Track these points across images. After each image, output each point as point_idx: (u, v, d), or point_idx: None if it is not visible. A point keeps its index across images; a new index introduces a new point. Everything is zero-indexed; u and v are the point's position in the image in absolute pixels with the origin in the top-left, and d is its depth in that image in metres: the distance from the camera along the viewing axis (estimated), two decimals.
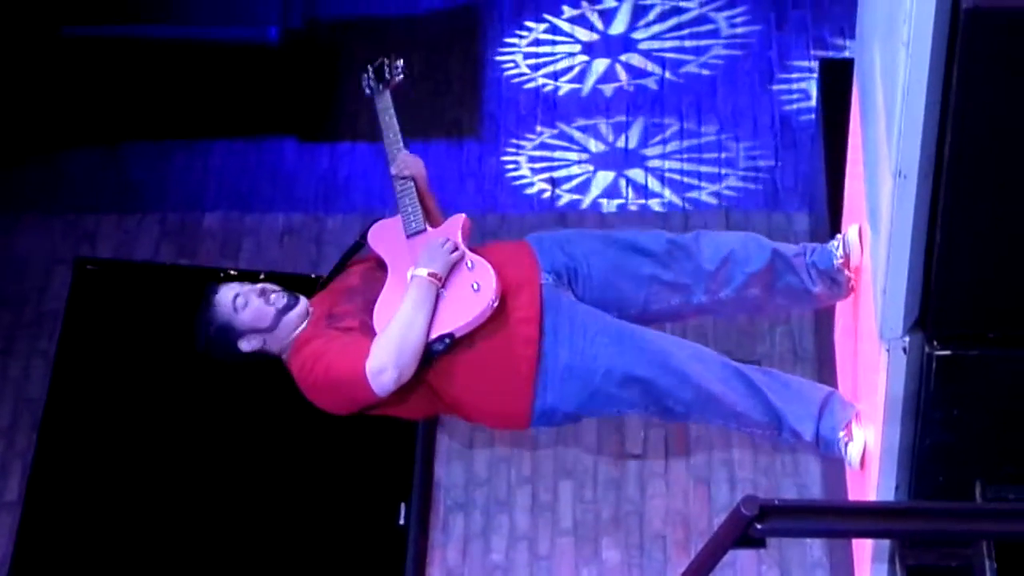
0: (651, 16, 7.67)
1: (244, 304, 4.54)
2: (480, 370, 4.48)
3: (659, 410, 4.55)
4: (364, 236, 4.67)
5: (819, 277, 4.63)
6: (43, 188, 7.23)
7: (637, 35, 7.63)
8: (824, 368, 6.02)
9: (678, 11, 7.67)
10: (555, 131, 7.36)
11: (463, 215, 4.63)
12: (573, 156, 7.26)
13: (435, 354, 4.43)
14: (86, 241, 7.00)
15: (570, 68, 7.53)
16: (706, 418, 4.58)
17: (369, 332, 4.47)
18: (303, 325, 4.55)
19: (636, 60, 7.53)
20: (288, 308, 4.55)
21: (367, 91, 4.76)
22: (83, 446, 6.31)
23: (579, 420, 4.69)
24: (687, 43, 7.59)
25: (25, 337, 6.76)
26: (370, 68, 4.76)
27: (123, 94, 7.27)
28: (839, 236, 4.63)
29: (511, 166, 7.27)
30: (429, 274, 4.46)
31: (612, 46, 7.57)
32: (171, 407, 6.37)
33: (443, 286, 4.47)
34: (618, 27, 7.65)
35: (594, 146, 7.29)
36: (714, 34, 7.60)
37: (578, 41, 7.61)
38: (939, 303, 3.99)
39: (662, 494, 6.31)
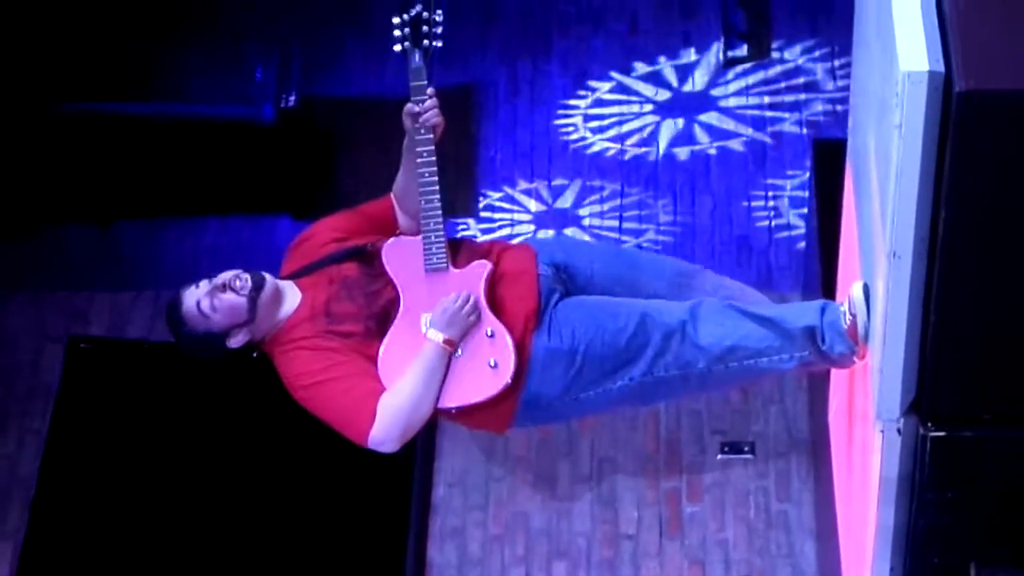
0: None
1: (212, 307, 4.34)
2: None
3: (651, 379, 4.34)
4: (374, 245, 4.43)
5: (839, 338, 4.36)
6: (36, 265, 7.23)
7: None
8: (818, 448, 6.01)
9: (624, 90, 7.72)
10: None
11: (488, 264, 4.39)
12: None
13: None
14: (79, 319, 6.99)
15: None
16: (701, 370, 4.33)
17: (373, 347, 4.29)
18: (293, 306, 4.36)
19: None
20: (258, 288, 4.34)
21: (399, 48, 4.31)
22: (75, 526, 6.29)
23: (565, 416, 4.48)
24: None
25: (17, 415, 6.74)
26: (404, 17, 4.29)
27: (118, 171, 7.28)
28: (845, 299, 4.37)
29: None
30: (445, 340, 4.29)
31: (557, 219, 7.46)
32: (163, 485, 6.36)
33: (460, 348, 4.30)
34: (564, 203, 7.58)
35: (534, 206, 7.28)
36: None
37: (527, 211, 7.63)
38: (933, 384, 3.98)
39: (656, 575, 6.28)
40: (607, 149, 7.52)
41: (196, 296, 4.35)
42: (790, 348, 4.33)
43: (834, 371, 5.04)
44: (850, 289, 4.33)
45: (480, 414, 4.38)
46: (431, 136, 4.32)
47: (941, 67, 3.57)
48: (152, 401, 6.54)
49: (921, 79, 3.57)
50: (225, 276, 4.37)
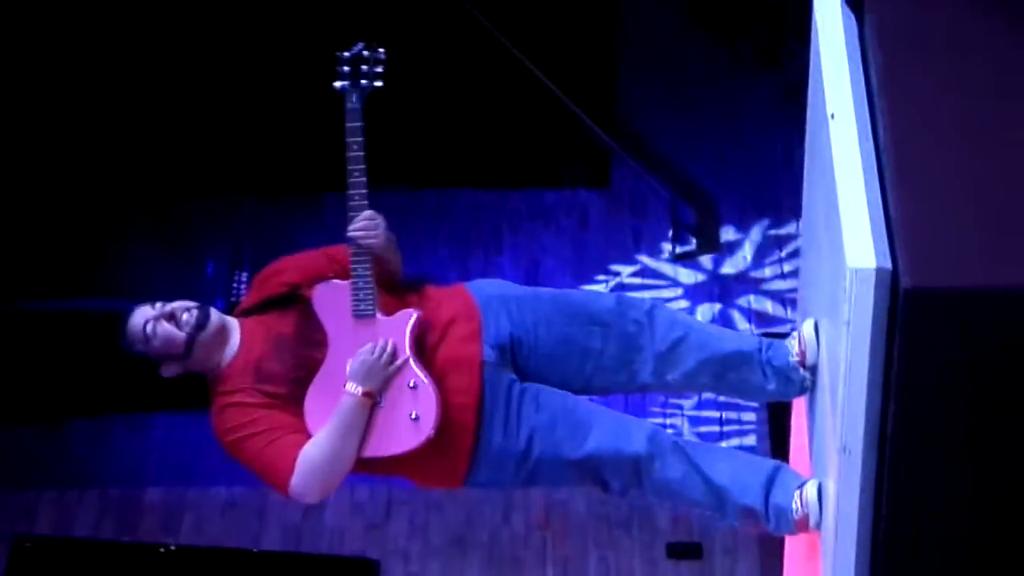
0: None
1: (153, 332, 4.32)
2: (413, 459, 4.33)
3: (596, 485, 4.39)
4: (308, 289, 4.39)
5: (774, 375, 4.44)
6: None
7: None
8: None
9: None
10: None
11: (415, 314, 4.34)
12: None
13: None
14: (24, 518, 6.91)
15: None
16: (642, 494, 4.39)
17: (296, 409, 4.28)
18: (231, 353, 4.36)
19: None
20: (199, 327, 4.32)
21: (339, 85, 4.32)
22: None
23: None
24: None
25: None
26: (345, 55, 4.33)
27: (68, 369, 7.24)
28: (795, 333, 4.45)
29: None
30: (364, 393, 4.27)
31: None
32: None
33: (382, 399, 4.28)
34: None
35: None
36: None
37: None
38: None
39: None
40: None
41: (145, 316, 4.36)
42: (724, 513, 4.38)
43: (787, 567, 5.01)
44: (805, 490, 4.33)
45: (431, 474, 4.41)
46: (366, 255, 4.34)
47: (888, 264, 3.59)
48: None
49: (869, 276, 3.58)
50: (174, 306, 4.36)
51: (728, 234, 7.73)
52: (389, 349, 4.30)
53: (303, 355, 4.36)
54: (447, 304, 4.45)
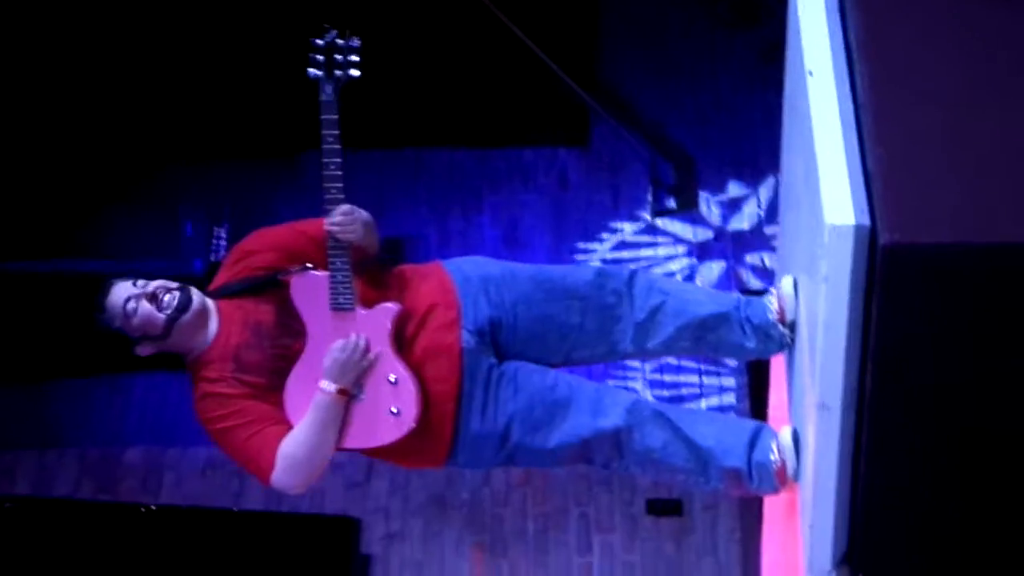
0: None
1: (134, 310, 4.31)
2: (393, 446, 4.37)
3: (579, 462, 4.44)
4: (286, 276, 4.38)
5: (753, 332, 4.46)
6: None
7: None
8: None
9: None
10: None
11: (395, 308, 4.35)
12: None
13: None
14: (4, 478, 6.90)
15: None
16: (624, 467, 4.42)
17: (275, 398, 4.31)
18: (209, 337, 4.35)
19: None
20: (181, 309, 4.30)
21: (312, 74, 4.29)
22: None
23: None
24: None
25: None
26: (319, 42, 4.29)
27: (48, 330, 7.23)
28: (773, 289, 4.47)
29: None
30: (338, 390, 4.29)
31: None
32: None
33: (362, 392, 4.30)
34: None
35: None
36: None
37: None
38: (864, 537, 3.97)
39: None
40: None
41: (127, 292, 4.34)
42: (708, 476, 4.40)
43: (767, 523, 5.03)
44: (779, 435, 4.36)
45: (412, 459, 4.45)
46: (344, 249, 4.32)
47: (866, 220, 3.59)
48: (79, 560, 6.43)
49: (847, 232, 3.59)
50: (156, 285, 4.35)
51: (736, 190, 7.71)
52: (362, 345, 4.31)
53: (282, 344, 4.36)
54: (425, 289, 4.44)
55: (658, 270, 7.48)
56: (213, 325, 4.38)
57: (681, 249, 7.63)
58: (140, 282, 4.35)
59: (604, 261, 7.54)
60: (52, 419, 7.19)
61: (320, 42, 4.29)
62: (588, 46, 8.19)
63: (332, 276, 4.33)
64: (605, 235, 7.69)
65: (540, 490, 6.87)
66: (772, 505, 4.83)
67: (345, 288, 4.32)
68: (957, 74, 3.81)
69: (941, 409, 3.74)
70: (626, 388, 6.90)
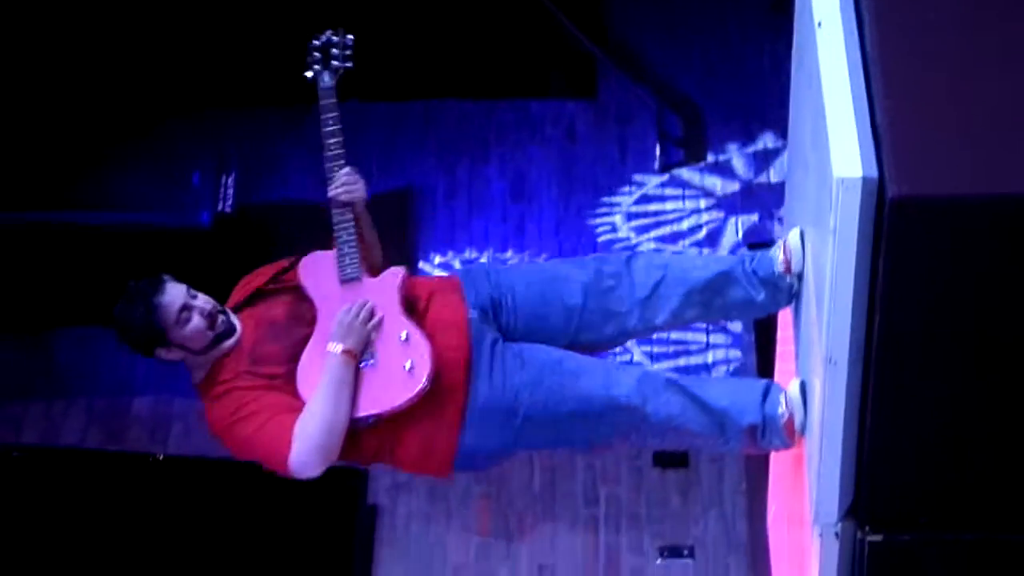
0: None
1: (187, 320, 4.34)
2: (405, 427, 4.33)
3: (589, 445, 4.44)
4: (295, 264, 4.46)
5: (761, 285, 4.47)
6: None
7: None
8: (757, 552, 5.99)
9: None
10: None
11: (401, 270, 4.44)
12: None
13: (361, 425, 4.30)
14: (11, 427, 6.92)
15: None
16: (641, 439, 4.42)
17: (293, 386, 4.30)
18: (229, 346, 4.37)
19: None
20: (226, 336, 4.36)
21: (310, 73, 4.49)
22: None
23: (506, 457, 4.50)
24: None
25: None
26: (315, 43, 4.50)
27: (53, 280, 7.23)
28: (780, 242, 4.48)
29: None
30: (344, 351, 4.29)
31: None
32: None
33: (374, 357, 4.30)
34: None
35: None
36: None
37: None
38: (870, 488, 3.98)
39: None
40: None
41: (182, 299, 4.36)
42: (726, 436, 4.41)
43: (772, 475, 5.04)
44: (787, 388, 4.37)
45: (420, 465, 4.38)
46: (348, 210, 4.40)
47: (875, 173, 3.59)
48: (86, 509, 6.46)
49: (855, 185, 3.59)
50: (211, 304, 4.37)
51: (767, 142, 7.68)
52: (368, 307, 4.33)
53: (298, 334, 4.38)
54: (428, 279, 4.59)
55: (685, 224, 7.46)
56: (230, 341, 4.41)
57: (708, 202, 7.60)
58: (193, 292, 4.39)
59: (627, 215, 7.52)
60: (59, 369, 7.19)
61: (316, 42, 4.45)
62: None
63: (339, 248, 4.39)
64: (627, 188, 7.66)
65: None
66: (778, 458, 4.84)
67: (352, 259, 4.38)
68: (966, 28, 3.80)
69: (948, 362, 3.74)
70: (631, 362, 6.89)
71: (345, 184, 4.42)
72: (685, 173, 7.64)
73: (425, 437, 4.37)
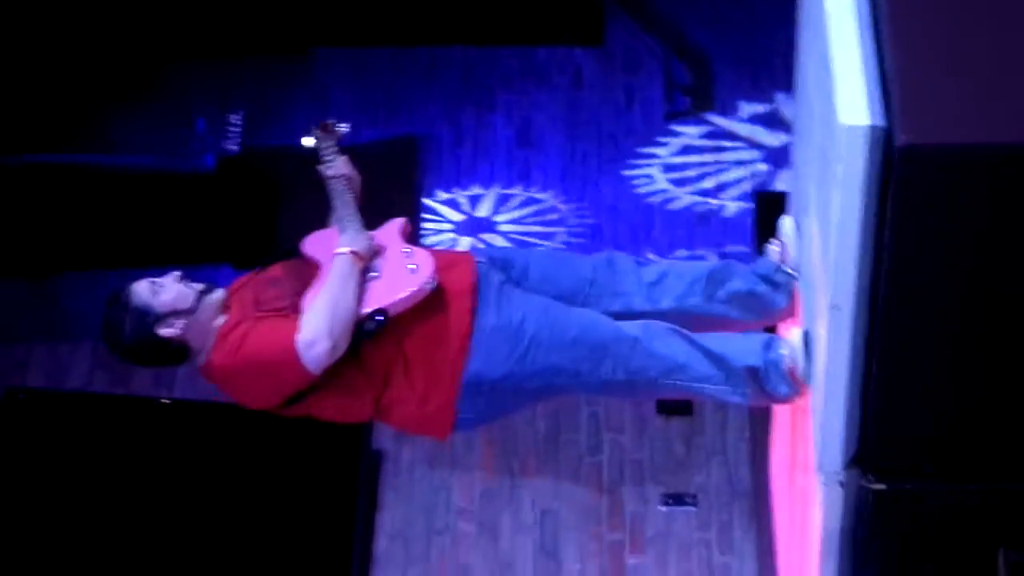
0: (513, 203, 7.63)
1: (162, 286, 4.34)
2: (412, 349, 4.34)
3: (595, 381, 4.40)
4: (295, 247, 4.50)
5: (760, 279, 4.61)
6: None
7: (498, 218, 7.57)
8: (761, 501, 6.00)
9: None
10: None
11: (402, 219, 4.53)
12: None
13: (367, 334, 4.28)
14: (17, 370, 6.93)
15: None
16: (648, 378, 4.41)
17: (300, 313, 4.30)
18: (225, 316, 4.36)
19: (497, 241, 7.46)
20: (207, 291, 4.36)
21: (312, 141, 4.59)
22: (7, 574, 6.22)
23: (507, 409, 4.49)
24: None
25: None
26: (315, 128, 4.62)
27: (56, 223, 7.23)
28: (775, 240, 4.65)
29: None
30: (350, 252, 4.32)
31: (476, 227, 7.50)
32: (97, 537, 6.30)
33: (379, 271, 4.35)
34: (481, 211, 7.59)
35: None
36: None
37: (449, 221, 7.56)
38: (875, 436, 3.99)
39: None
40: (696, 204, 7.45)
41: (151, 279, 4.36)
42: (733, 383, 4.43)
43: (776, 423, 5.05)
44: (790, 336, 4.38)
45: (422, 404, 4.37)
46: (346, 188, 4.48)
47: (882, 121, 3.58)
48: (91, 453, 6.48)
49: (862, 133, 3.58)
50: (181, 274, 4.39)
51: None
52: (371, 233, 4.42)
53: (302, 279, 4.38)
54: (443, 252, 4.63)
55: (729, 175, 7.42)
56: (217, 294, 4.40)
57: (754, 155, 7.55)
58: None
59: (667, 167, 7.50)
60: (64, 312, 7.20)
61: (312, 141, 4.55)
62: None
63: (339, 219, 4.43)
64: (665, 139, 7.64)
65: None
66: (782, 407, 4.85)
67: (351, 217, 4.41)
68: None
69: (953, 310, 3.74)
70: None
71: (340, 166, 4.50)
72: (727, 123, 7.60)
73: (431, 361, 4.36)
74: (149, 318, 4.32)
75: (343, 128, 4.59)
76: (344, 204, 4.45)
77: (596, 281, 4.55)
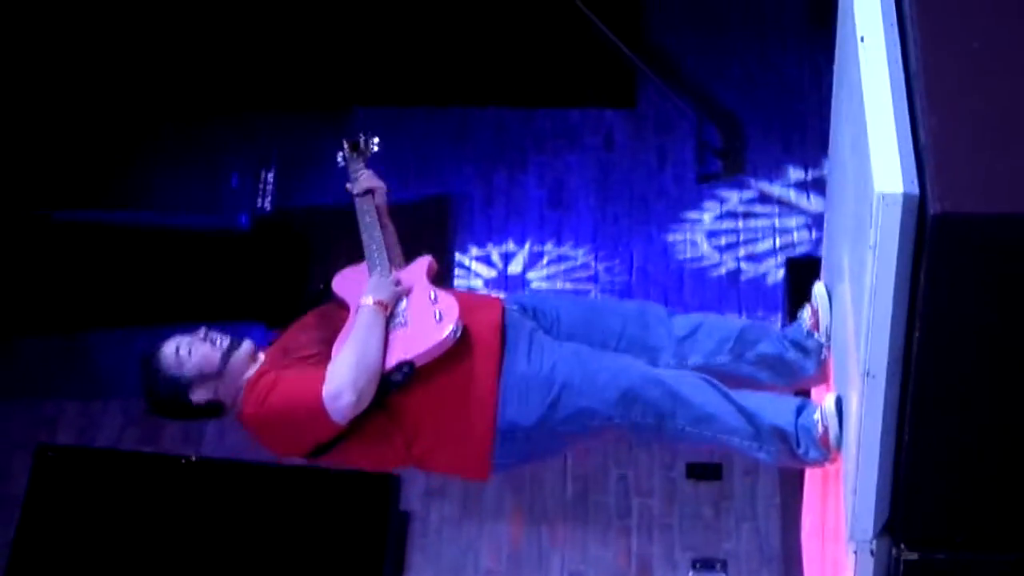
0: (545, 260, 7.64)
1: (188, 353, 4.36)
2: (441, 397, 4.34)
3: (627, 423, 4.37)
4: (328, 283, 4.53)
5: (792, 344, 4.58)
6: (5, 374, 7.18)
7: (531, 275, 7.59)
8: (791, 568, 5.97)
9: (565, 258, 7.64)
10: None
11: (429, 257, 4.53)
12: None
13: (394, 385, 4.28)
14: (47, 427, 6.95)
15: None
16: (677, 426, 4.37)
17: (328, 362, 4.32)
18: (255, 367, 4.38)
19: None
20: (233, 347, 4.38)
21: (341, 162, 4.70)
22: None
23: (545, 451, 4.48)
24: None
25: None
26: (346, 143, 4.71)
27: (88, 280, 7.26)
28: (807, 305, 4.61)
29: None
30: (375, 302, 4.33)
31: (509, 283, 7.54)
32: None
33: (405, 319, 4.35)
34: (514, 267, 7.62)
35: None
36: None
37: (481, 277, 7.58)
38: (907, 505, 3.96)
39: None
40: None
41: (176, 342, 4.39)
42: (761, 440, 4.41)
43: (807, 489, 5.03)
44: (823, 402, 4.36)
45: (458, 450, 4.37)
46: (371, 204, 4.59)
47: (916, 189, 3.58)
48: (120, 510, 6.48)
49: (896, 201, 3.58)
50: (205, 334, 4.41)
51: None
52: (396, 276, 4.42)
53: (332, 326, 4.41)
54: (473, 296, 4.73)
55: (768, 244, 7.42)
56: (261, 356, 4.44)
57: (800, 220, 7.54)
58: (186, 335, 4.42)
59: (708, 234, 7.50)
60: (96, 369, 7.22)
61: (345, 145, 4.72)
62: (635, 5, 8.16)
63: (367, 247, 4.48)
64: (708, 204, 7.64)
65: (580, 452, 6.87)
66: (813, 472, 4.83)
67: (379, 253, 4.46)
68: (1011, 44, 3.78)
69: (988, 379, 3.73)
70: None
71: (367, 179, 4.60)
72: (773, 188, 7.60)
73: (462, 425, 4.36)
74: (180, 386, 4.37)
75: (374, 145, 4.69)
76: (371, 237, 4.50)
77: (625, 334, 4.54)
